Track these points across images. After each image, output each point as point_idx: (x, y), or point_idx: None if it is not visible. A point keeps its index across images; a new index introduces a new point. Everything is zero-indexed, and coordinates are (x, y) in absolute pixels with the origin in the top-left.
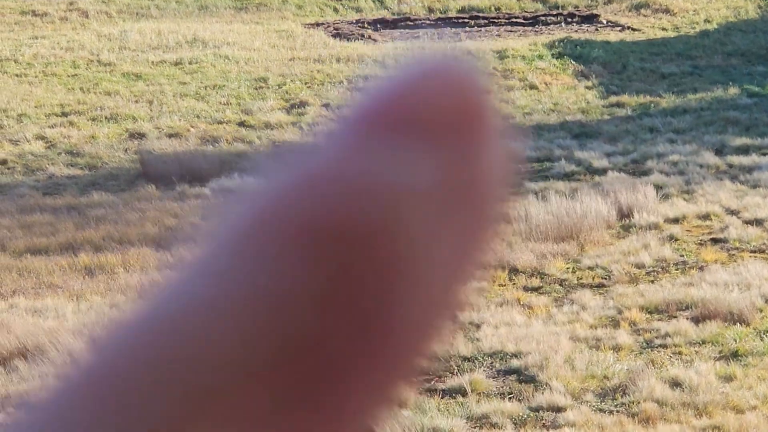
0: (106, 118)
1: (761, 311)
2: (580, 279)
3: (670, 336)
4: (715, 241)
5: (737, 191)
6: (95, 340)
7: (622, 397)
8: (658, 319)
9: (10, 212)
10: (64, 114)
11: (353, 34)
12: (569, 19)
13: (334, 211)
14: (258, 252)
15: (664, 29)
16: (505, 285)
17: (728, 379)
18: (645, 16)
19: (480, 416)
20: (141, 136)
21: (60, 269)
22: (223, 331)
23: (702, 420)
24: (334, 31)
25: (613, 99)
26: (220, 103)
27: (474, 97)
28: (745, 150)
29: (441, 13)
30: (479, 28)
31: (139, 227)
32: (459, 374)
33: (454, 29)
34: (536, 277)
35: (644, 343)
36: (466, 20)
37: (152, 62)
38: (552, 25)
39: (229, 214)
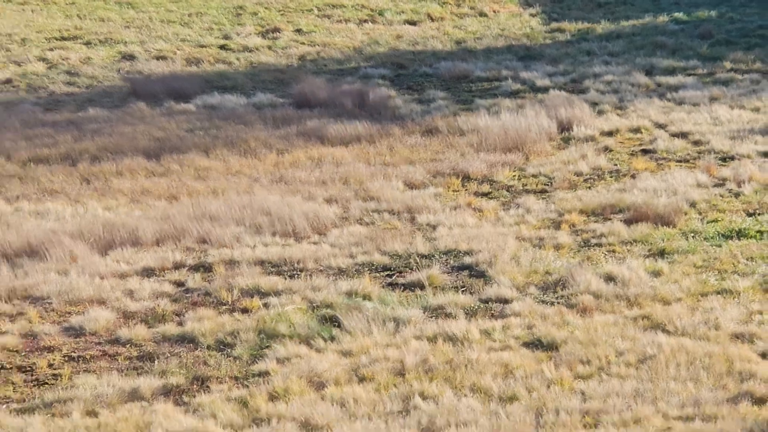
0: (100, 41)
1: (686, 214)
2: (525, 185)
3: (605, 236)
4: (645, 151)
5: (664, 107)
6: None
7: (562, 290)
8: (595, 221)
9: (14, 126)
10: (63, 38)
11: None
12: None
13: None
14: None
15: None
16: (458, 191)
17: (656, 274)
18: None
19: (436, 307)
20: (132, 58)
21: (60, 177)
22: None
23: (633, 310)
24: None
25: (555, 25)
26: (203, 28)
27: None
28: (671, 71)
29: None
30: None
31: (130, 139)
32: (417, 270)
33: None
34: (486, 184)
35: (582, 243)
36: None
37: None
38: None
39: None
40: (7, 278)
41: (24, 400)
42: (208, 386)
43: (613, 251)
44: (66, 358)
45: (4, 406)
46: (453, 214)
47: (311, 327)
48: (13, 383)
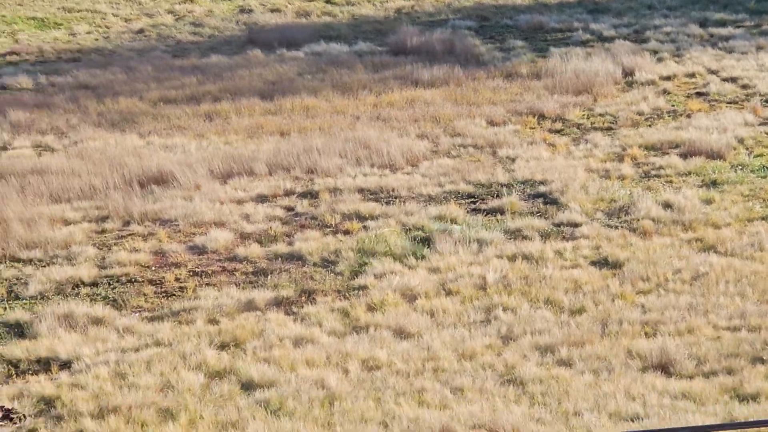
0: None
1: (735, 149)
2: (593, 123)
3: (663, 168)
4: (699, 94)
5: (716, 55)
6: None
7: (625, 215)
8: (654, 155)
9: (146, 70)
10: None
11: None
12: None
13: None
14: None
15: None
16: (534, 128)
17: (708, 202)
18: None
19: (514, 230)
20: (249, 11)
21: (186, 115)
22: None
23: (688, 234)
24: None
25: None
26: None
27: None
28: (723, 23)
29: None
30: None
31: (247, 82)
32: (498, 197)
33: None
34: (559, 122)
35: (643, 174)
36: None
37: None
38: None
39: None
40: (140, 203)
41: (154, 309)
42: (314, 298)
43: (671, 182)
44: (190, 273)
45: (138, 314)
46: (529, 148)
47: (404, 247)
48: (145, 294)
